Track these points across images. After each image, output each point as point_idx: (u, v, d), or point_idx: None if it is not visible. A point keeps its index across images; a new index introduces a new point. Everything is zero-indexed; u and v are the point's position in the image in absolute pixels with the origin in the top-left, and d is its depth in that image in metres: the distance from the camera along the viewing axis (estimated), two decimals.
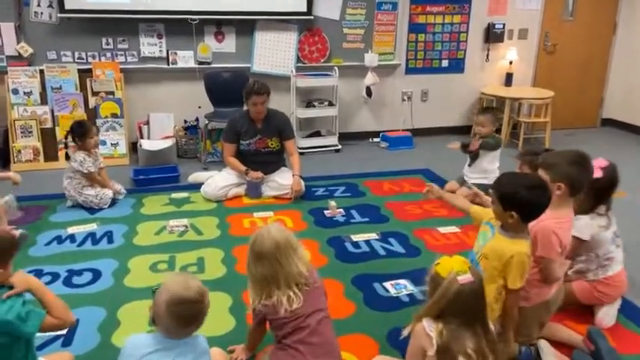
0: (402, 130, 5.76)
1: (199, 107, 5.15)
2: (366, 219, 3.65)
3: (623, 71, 6.24)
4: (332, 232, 3.42)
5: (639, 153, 5.52)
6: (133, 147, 4.91)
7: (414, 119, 5.86)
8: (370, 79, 5.42)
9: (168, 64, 5.05)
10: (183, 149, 5.13)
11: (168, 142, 4.85)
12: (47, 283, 2.76)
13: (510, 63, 5.89)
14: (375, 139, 5.71)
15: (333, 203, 3.76)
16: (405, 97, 5.81)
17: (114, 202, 3.84)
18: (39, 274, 2.86)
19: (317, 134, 5.46)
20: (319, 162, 4.90)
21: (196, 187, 4.20)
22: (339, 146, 5.39)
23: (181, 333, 1.67)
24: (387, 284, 2.78)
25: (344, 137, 5.50)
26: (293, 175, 4.00)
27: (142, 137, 4.99)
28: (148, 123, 5.03)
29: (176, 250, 3.17)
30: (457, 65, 5.85)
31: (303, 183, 4.01)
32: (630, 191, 4.04)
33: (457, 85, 5.90)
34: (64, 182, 3.77)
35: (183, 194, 4.10)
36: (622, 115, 6.35)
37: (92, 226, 3.49)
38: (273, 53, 5.24)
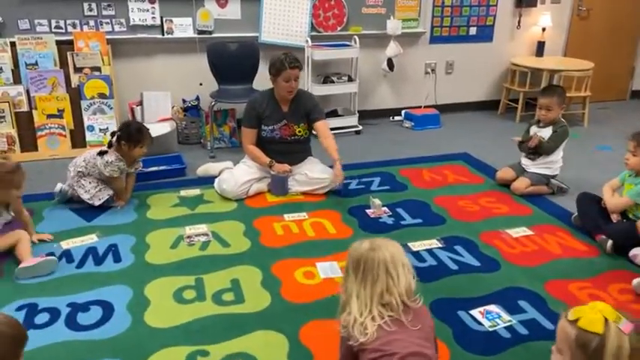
0: (426, 107, 5.19)
1: (200, 84, 4.45)
2: (419, 220, 3.10)
3: None
4: None
5: None
6: None
7: (438, 94, 5.28)
8: (393, 49, 4.79)
9: (163, 34, 4.32)
10: (184, 134, 4.45)
11: (168, 127, 4.17)
12: (45, 325, 2.15)
13: (543, 30, 5.32)
14: (397, 118, 5.11)
15: (377, 201, 3.19)
16: (429, 70, 5.21)
17: (109, 200, 3.17)
18: (33, 310, 2.24)
19: (334, 114, 4.83)
20: (340, 146, 4.19)
21: (207, 181, 3.57)
22: (360, 127, 4.78)
23: None
24: (475, 312, 2.25)
25: (361, 116, 4.88)
26: (334, 161, 3.33)
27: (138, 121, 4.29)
28: (141, 104, 4.33)
29: (202, 269, 2.57)
30: (485, 33, 5.25)
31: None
32: None
33: (485, 55, 5.31)
34: (74, 162, 3.15)
35: (195, 191, 3.47)
36: None
37: (91, 239, 2.84)
38: (284, 20, 4.54)
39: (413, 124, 4.92)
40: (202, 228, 2.97)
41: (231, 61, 4.26)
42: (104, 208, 3.15)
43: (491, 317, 2.22)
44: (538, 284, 2.45)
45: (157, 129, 4.05)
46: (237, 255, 2.70)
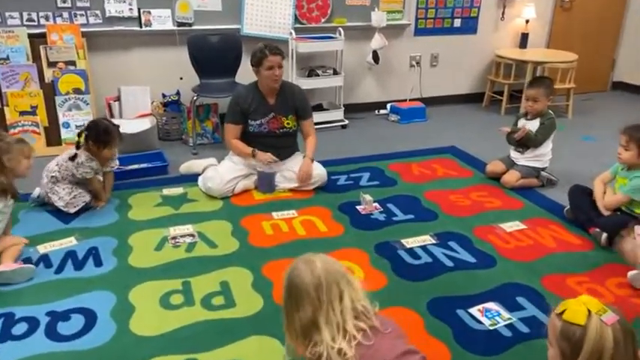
0: (411, 100, 5.13)
1: (181, 78, 4.32)
2: (410, 216, 3.03)
3: (638, 31, 5.78)
4: (377, 236, 2.79)
5: None
6: None
7: (423, 87, 5.22)
8: (378, 41, 4.70)
9: (141, 26, 4.15)
10: (165, 130, 4.30)
11: (148, 123, 4.02)
12: (23, 337, 2.02)
13: (527, 22, 5.30)
14: (382, 111, 5.05)
15: (368, 197, 3.11)
16: (414, 63, 5.15)
17: (85, 207, 3.02)
18: (9, 320, 2.10)
19: (319, 108, 4.73)
20: (326, 141, 4.17)
21: (191, 179, 3.45)
22: (346, 121, 4.70)
23: None
24: (474, 310, 2.19)
25: (347, 109, 4.79)
26: (304, 157, 3.33)
27: (112, 117, 4.13)
28: (118, 99, 4.16)
29: (188, 272, 2.45)
30: (470, 25, 5.20)
31: (324, 171, 3.35)
32: None
33: (469, 47, 5.27)
34: (47, 168, 3.00)
35: (178, 190, 3.34)
36: (634, 78, 5.94)
37: (70, 242, 2.69)
38: (267, 12, 4.41)
39: (399, 117, 4.85)
40: (188, 228, 2.85)
41: (213, 54, 4.13)
42: (82, 209, 3.00)
43: (490, 315, 2.16)
44: (535, 280, 2.41)
45: (136, 125, 3.93)
46: (225, 256, 2.59)
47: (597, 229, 2.73)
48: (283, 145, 3.35)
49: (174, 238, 2.75)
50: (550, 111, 3.50)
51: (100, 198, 3.10)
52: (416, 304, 2.22)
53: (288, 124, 3.30)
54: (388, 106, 4.99)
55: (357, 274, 2.43)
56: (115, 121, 3.83)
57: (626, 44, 5.91)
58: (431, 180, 3.54)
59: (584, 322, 1.26)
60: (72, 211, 2.96)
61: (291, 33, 4.40)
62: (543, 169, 3.47)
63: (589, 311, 1.27)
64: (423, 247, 2.68)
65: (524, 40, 5.34)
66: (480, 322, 2.12)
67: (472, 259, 2.58)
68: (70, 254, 2.58)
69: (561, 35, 5.58)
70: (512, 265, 2.54)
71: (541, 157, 3.43)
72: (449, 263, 2.54)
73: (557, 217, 3.03)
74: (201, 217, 2.98)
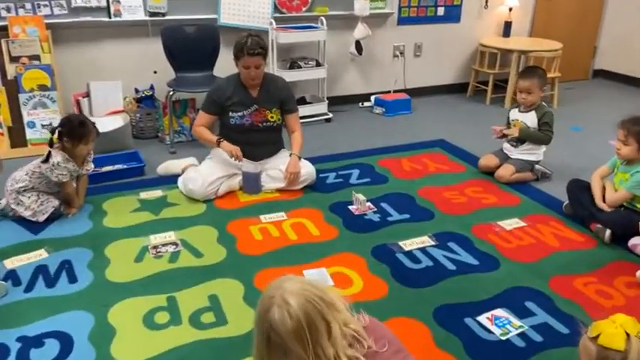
0: (395, 92, 4.98)
1: (155, 72, 4.08)
2: (406, 215, 2.89)
3: (618, 18, 5.74)
4: (373, 239, 2.64)
5: None
6: None
7: (406, 78, 5.08)
8: (361, 31, 4.53)
9: (110, 17, 3.88)
10: (139, 127, 4.05)
11: (120, 120, 3.77)
12: None
13: (510, 10, 5.19)
14: (366, 104, 4.89)
15: (361, 197, 2.95)
16: (397, 53, 4.99)
17: (55, 212, 2.78)
18: None
19: (302, 101, 4.54)
20: (311, 136, 3.97)
21: (170, 180, 3.24)
22: (330, 115, 4.52)
23: None
24: (483, 319, 2.06)
25: (330, 102, 4.60)
26: (290, 154, 3.15)
27: (81, 114, 3.85)
28: (88, 95, 3.89)
29: (173, 286, 2.25)
30: (453, 14, 5.07)
31: (313, 169, 3.18)
32: None
33: (453, 36, 5.14)
34: (13, 177, 2.75)
35: (156, 192, 3.12)
36: (615, 65, 5.91)
37: (40, 255, 2.46)
38: (245, 0, 4.18)
39: (384, 110, 4.70)
40: (170, 236, 2.64)
41: (189, 46, 3.88)
42: (52, 217, 2.76)
43: (501, 324, 2.03)
44: (542, 282, 2.29)
45: (108, 123, 3.68)
46: (212, 266, 2.40)
47: (599, 226, 2.64)
48: (268, 141, 3.17)
49: (155, 247, 2.54)
50: (543, 102, 3.39)
51: (72, 204, 2.86)
52: (421, 314, 2.08)
53: (271, 117, 3.11)
54: (372, 98, 4.84)
55: (356, 283, 2.28)
56: None
57: (608, 32, 5.86)
58: (423, 176, 3.41)
59: (623, 346, 1.16)
60: (41, 219, 2.73)
61: (271, 23, 4.19)
62: (537, 162, 3.37)
63: (627, 334, 1.17)
64: (423, 250, 2.54)
65: (507, 29, 5.23)
66: (490, 331, 1.99)
67: (474, 261, 2.45)
68: (41, 269, 2.35)
69: (543, 23, 5.50)
70: (516, 266, 2.42)
71: (536, 149, 3.33)
72: (451, 266, 2.41)
73: (555, 212, 2.93)
74: (184, 223, 2.77)
